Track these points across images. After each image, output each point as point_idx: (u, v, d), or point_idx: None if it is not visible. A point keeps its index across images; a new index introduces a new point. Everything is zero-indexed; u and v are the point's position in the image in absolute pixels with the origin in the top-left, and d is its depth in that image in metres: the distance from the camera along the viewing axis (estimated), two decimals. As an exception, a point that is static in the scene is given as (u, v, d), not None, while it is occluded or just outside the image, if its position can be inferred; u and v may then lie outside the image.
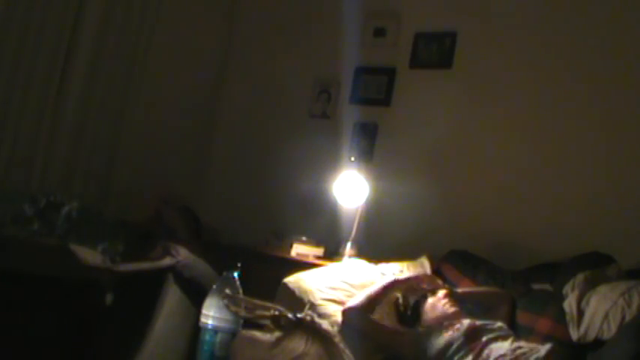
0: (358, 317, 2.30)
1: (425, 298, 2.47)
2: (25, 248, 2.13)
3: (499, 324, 2.32)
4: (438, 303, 2.43)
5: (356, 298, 2.40)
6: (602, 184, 2.87)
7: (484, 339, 2.19)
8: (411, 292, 2.55)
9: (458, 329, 2.23)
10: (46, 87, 3.13)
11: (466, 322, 2.28)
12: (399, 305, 2.53)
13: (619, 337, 2.19)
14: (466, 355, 2.15)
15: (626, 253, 2.60)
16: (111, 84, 3.39)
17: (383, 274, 2.60)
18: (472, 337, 2.20)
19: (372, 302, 2.41)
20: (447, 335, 2.22)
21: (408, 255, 2.84)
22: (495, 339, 2.20)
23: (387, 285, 2.52)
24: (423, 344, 2.23)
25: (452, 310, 2.39)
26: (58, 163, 3.22)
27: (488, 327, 2.26)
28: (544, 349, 2.11)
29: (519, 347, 2.13)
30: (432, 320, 2.39)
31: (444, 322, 2.33)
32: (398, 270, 2.72)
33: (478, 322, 2.28)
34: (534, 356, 2.08)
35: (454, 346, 2.18)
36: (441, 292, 2.46)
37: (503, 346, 2.15)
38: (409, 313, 2.49)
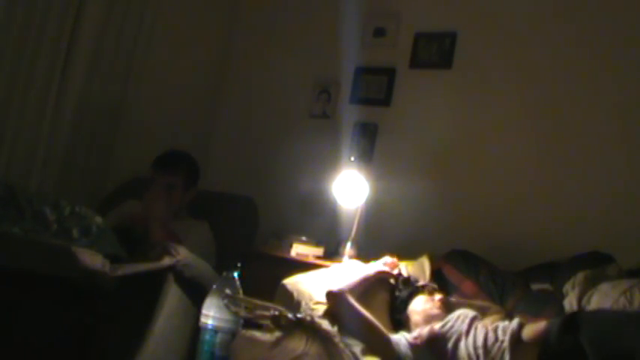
0: (342, 300, 2.30)
1: (416, 292, 2.49)
2: (26, 246, 2.12)
3: (458, 313, 2.33)
4: (429, 301, 2.45)
5: (339, 284, 2.39)
6: (602, 184, 2.87)
7: (449, 345, 2.20)
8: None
9: (420, 339, 2.24)
10: (47, 87, 3.13)
11: (425, 330, 2.28)
12: (397, 288, 2.54)
13: None
14: None
15: (626, 253, 2.60)
16: (109, 85, 3.39)
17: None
18: (436, 347, 2.21)
19: (355, 288, 2.40)
20: (413, 347, 2.22)
21: (408, 255, 2.84)
22: (458, 340, 2.21)
23: (369, 275, 2.52)
24: (397, 352, 2.23)
25: (437, 312, 2.41)
26: (57, 163, 3.22)
27: (450, 328, 2.27)
28: (510, 330, 2.14)
29: (477, 345, 2.15)
30: (415, 314, 2.41)
31: (423, 321, 2.35)
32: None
33: (437, 327, 2.28)
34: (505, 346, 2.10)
35: (421, 356, 2.19)
36: (438, 296, 2.47)
37: (469, 349, 2.16)
38: (400, 299, 2.51)
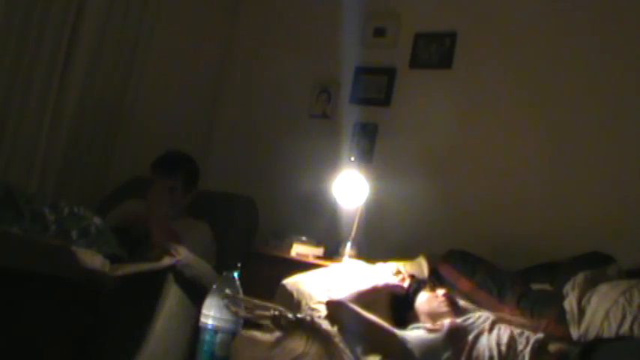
0: (342, 308, 2.30)
1: (420, 289, 2.48)
2: (26, 246, 2.12)
3: (478, 314, 2.33)
4: (434, 299, 2.44)
5: (343, 293, 2.39)
6: (602, 184, 2.87)
7: (470, 338, 2.20)
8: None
9: (440, 331, 2.24)
10: (47, 87, 3.13)
11: (447, 321, 2.28)
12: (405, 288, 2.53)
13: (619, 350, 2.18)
14: (455, 356, 2.16)
15: (626, 253, 2.60)
16: (109, 86, 3.40)
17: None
18: (456, 337, 2.21)
19: (359, 298, 2.38)
20: (430, 337, 2.22)
21: (407, 255, 2.84)
22: (479, 334, 2.21)
23: (378, 286, 2.52)
24: (409, 345, 2.21)
25: (445, 309, 2.40)
26: (57, 163, 3.22)
27: (471, 323, 2.28)
28: (534, 338, 2.15)
29: (501, 342, 2.16)
30: (422, 313, 2.40)
31: (431, 320, 2.34)
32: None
33: (459, 320, 2.29)
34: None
35: (439, 348, 2.18)
36: (441, 291, 2.47)
37: (491, 344, 2.16)
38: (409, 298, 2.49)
